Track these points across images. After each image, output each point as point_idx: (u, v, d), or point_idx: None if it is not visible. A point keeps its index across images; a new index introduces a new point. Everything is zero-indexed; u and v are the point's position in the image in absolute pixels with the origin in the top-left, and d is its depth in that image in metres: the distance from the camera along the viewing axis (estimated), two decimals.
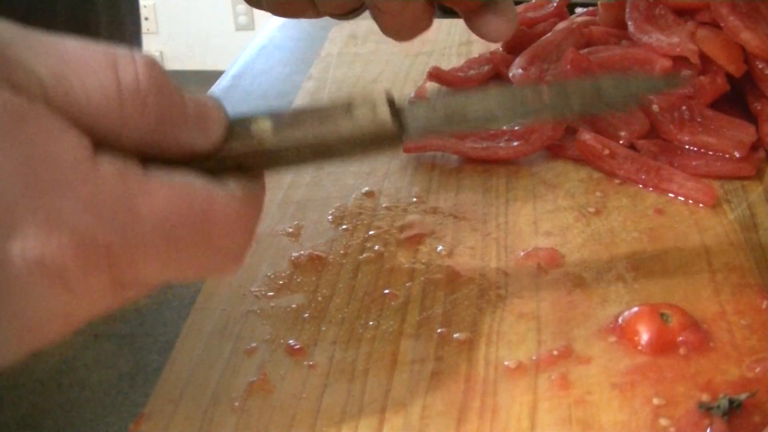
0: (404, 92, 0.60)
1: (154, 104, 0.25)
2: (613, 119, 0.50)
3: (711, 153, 0.49)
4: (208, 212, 0.26)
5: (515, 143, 0.50)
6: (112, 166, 0.24)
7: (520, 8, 0.67)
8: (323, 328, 0.37)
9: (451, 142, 0.50)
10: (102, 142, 0.25)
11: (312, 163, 0.29)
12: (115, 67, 0.24)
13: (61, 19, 0.54)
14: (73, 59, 0.24)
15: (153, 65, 0.25)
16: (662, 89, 0.38)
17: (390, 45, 0.70)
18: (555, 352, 0.35)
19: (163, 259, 0.25)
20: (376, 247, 0.43)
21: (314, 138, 0.27)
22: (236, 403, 0.33)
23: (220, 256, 0.27)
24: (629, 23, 0.55)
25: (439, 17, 0.83)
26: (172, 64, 3.00)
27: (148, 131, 0.25)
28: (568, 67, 0.52)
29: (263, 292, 0.40)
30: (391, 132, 0.28)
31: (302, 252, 0.42)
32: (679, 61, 0.52)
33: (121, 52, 0.25)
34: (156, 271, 0.25)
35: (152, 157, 0.26)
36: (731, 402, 0.32)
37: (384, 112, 0.28)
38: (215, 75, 0.75)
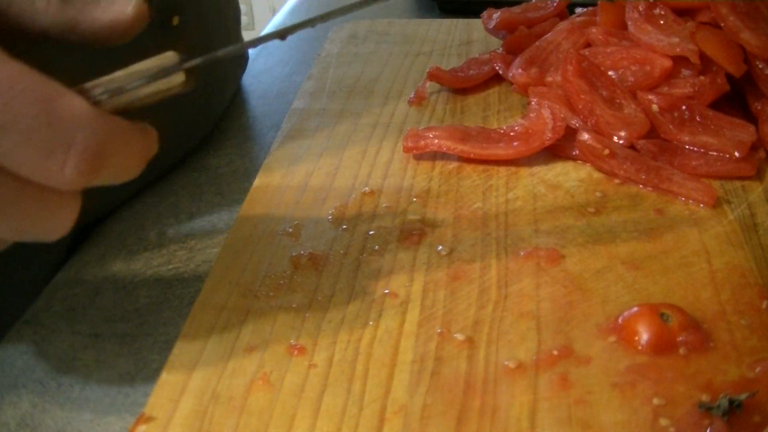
0: (404, 92, 0.60)
1: None
2: (613, 119, 0.50)
3: (711, 153, 0.49)
4: (53, 101, 0.27)
5: (515, 143, 0.50)
6: None
7: (519, 8, 0.67)
8: (323, 328, 0.37)
9: (451, 142, 0.50)
10: (19, 24, 0.28)
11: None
12: None
13: None
14: None
15: None
16: None
17: (390, 45, 0.70)
18: (555, 352, 0.35)
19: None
20: (376, 247, 0.43)
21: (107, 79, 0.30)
22: (236, 403, 0.33)
23: (62, 154, 0.27)
24: (629, 23, 0.55)
25: (439, 17, 0.83)
26: None
27: (55, 9, 0.29)
28: (569, 67, 0.52)
29: (263, 292, 0.40)
30: (173, 60, 0.30)
31: (302, 252, 0.42)
32: (679, 61, 0.52)
33: None
34: None
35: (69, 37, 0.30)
36: (731, 402, 0.32)
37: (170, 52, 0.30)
38: None
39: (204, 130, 0.60)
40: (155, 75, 0.30)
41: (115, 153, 0.29)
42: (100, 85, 0.30)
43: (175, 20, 0.52)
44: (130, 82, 0.30)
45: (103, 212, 0.51)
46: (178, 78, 0.30)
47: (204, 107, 0.59)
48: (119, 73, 0.30)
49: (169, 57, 0.30)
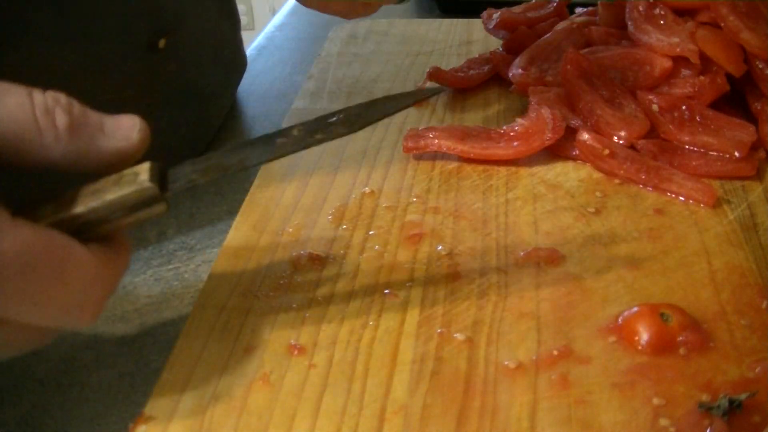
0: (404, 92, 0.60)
1: (63, 116, 0.30)
2: (613, 119, 0.50)
3: (711, 153, 0.49)
4: (65, 261, 0.28)
5: (515, 143, 0.50)
6: None
7: (520, 8, 0.67)
8: (323, 328, 0.37)
9: (451, 142, 0.50)
10: (28, 158, 0.30)
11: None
12: (30, 92, 0.30)
13: None
14: None
15: (61, 96, 0.30)
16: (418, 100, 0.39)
17: (390, 45, 0.70)
18: (555, 352, 0.35)
19: (19, 293, 0.27)
20: (376, 247, 0.43)
21: (86, 209, 0.30)
22: (236, 403, 0.33)
23: (75, 304, 0.29)
24: (629, 23, 0.55)
25: (439, 17, 0.83)
26: None
27: (65, 142, 0.30)
28: (569, 67, 0.52)
29: (263, 292, 0.40)
30: (153, 193, 0.31)
31: (302, 252, 0.42)
32: (679, 61, 0.52)
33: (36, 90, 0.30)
34: (14, 303, 0.28)
35: (79, 171, 0.31)
36: (731, 402, 0.32)
37: (144, 177, 0.31)
38: None
39: (205, 140, 0.60)
40: (135, 206, 0.31)
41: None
42: (82, 216, 0.30)
43: (162, 43, 0.53)
44: (111, 213, 0.30)
45: None
46: (160, 208, 0.31)
47: (201, 119, 0.59)
48: (97, 204, 0.30)
49: (145, 186, 0.30)
